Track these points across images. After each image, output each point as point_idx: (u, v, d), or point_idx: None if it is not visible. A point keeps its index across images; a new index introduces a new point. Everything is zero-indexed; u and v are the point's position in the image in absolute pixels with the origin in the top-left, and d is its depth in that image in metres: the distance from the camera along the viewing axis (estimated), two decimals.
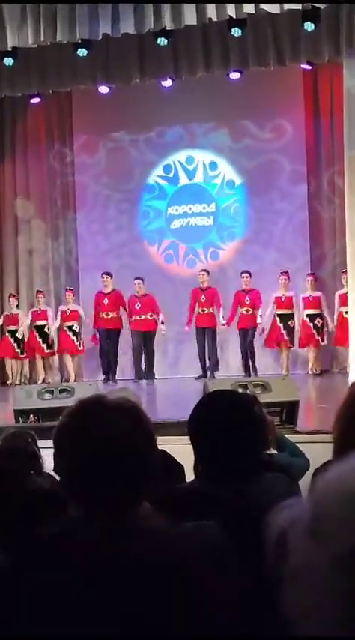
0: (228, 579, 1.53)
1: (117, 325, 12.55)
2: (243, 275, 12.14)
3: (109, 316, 12.50)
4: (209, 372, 12.11)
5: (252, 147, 12.90)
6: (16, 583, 1.50)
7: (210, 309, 12.23)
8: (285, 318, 12.01)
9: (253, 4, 9.34)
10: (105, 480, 1.50)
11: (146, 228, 13.28)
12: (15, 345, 12.90)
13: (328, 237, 12.67)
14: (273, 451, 3.78)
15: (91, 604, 1.45)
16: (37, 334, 12.85)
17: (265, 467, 2.43)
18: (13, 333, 12.93)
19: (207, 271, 12.41)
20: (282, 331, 12.01)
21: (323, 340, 11.95)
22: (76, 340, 12.73)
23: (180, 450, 2.83)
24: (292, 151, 12.77)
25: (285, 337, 12.00)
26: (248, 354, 12.04)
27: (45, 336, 12.86)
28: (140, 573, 1.46)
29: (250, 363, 12.00)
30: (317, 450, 2.96)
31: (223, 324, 12.15)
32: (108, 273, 12.60)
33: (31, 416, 7.43)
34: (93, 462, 1.50)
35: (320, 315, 11.94)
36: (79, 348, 12.79)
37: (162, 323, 12.32)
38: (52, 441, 1.58)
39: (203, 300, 12.23)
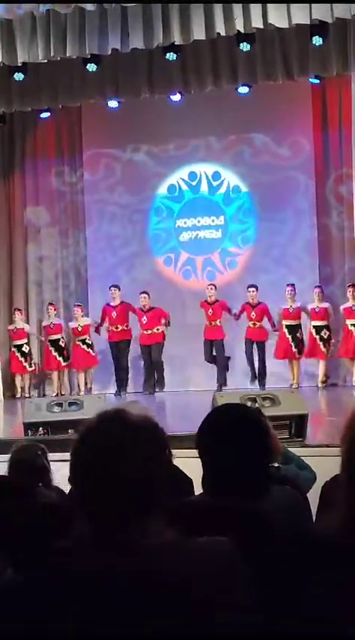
0: (239, 596, 1.52)
1: (127, 336, 12.59)
2: (250, 289, 12.12)
3: (119, 329, 12.53)
4: (217, 384, 12.11)
5: (261, 161, 12.92)
6: (25, 599, 1.50)
7: (218, 322, 12.24)
8: (293, 330, 12.02)
9: (262, 19, 9.40)
10: (118, 494, 1.50)
11: (160, 250, 13.30)
12: (22, 359, 12.95)
13: (336, 250, 12.66)
14: (278, 465, 3.77)
15: (102, 620, 1.45)
16: (52, 349, 12.90)
17: (273, 480, 2.43)
18: (19, 347, 12.97)
19: (215, 286, 12.44)
20: (291, 342, 12.01)
21: (328, 352, 11.93)
22: (91, 352, 12.79)
23: (188, 463, 2.83)
24: (300, 164, 12.78)
25: (293, 349, 12.01)
26: (254, 365, 12.05)
27: (60, 350, 12.92)
28: (150, 590, 1.46)
29: (257, 376, 12.01)
30: (326, 464, 2.95)
31: (235, 313, 12.08)
32: (117, 286, 12.64)
33: (41, 429, 7.44)
34: (108, 474, 1.51)
35: (327, 327, 11.94)
36: (96, 358, 12.82)
37: (168, 324, 12.27)
38: (69, 452, 1.59)
39: (210, 314, 12.26)
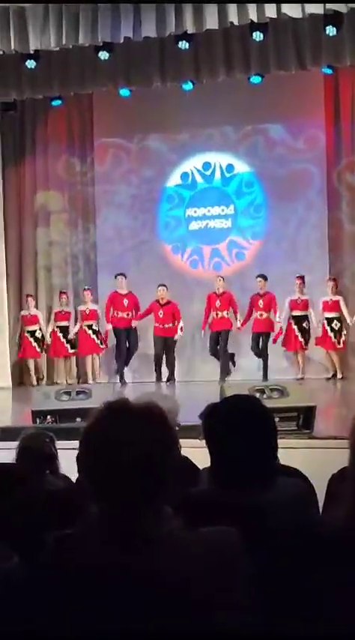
0: (244, 586, 1.52)
1: (130, 324, 12.59)
2: (258, 279, 12.13)
3: (129, 316, 12.56)
4: (219, 375, 12.07)
5: (272, 151, 12.87)
6: (30, 588, 1.50)
7: (224, 313, 12.22)
8: (300, 320, 12.01)
9: (275, 9, 9.34)
10: (125, 484, 1.51)
11: (169, 237, 13.26)
12: (36, 344, 13.02)
13: (347, 243, 12.60)
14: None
15: (107, 610, 1.45)
16: (60, 335, 12.94)
17: (280, 472, 2.43)
18: (32, 333, 13.03)
19: (223, 278, 12.42)
20: (296, 333, 12.01)
21: (340, 343, 11.93)
22: (96, 339, 12.82)
23: (195, 453, 2.84)
24: (312, 155, 12.72)
25: (300, 339, 12.01)
26: (261, 358, 12.05)
27: (68, 337, 12.98)
28: (156, 580, 1.46)
29: (262, 367, 12.01)
30: (333, 456, 2.95)
31: (238, 328, 12.14)
32: (124, 274, 12.65)
33: (49, 417, 7.48)
34: (115, 464, 1.51)
35: (339, 319, 11.94)
36: (101, 346, 12.86)
37: (181, 329, 12.33)
38: (78, 441, 1.59)
39: (218, 305, 12.25)
